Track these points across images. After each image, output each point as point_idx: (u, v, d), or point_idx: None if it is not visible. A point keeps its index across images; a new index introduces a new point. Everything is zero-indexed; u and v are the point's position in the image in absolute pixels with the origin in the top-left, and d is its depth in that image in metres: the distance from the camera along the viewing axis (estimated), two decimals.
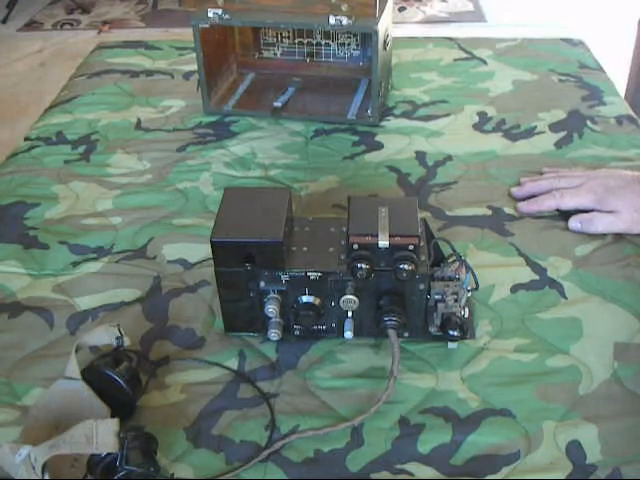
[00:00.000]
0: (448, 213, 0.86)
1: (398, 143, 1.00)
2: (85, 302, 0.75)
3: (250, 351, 0.69)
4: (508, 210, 0.86)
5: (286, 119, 1.06)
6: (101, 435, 0.53)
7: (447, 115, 1.06)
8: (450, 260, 0.68)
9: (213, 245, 0.64)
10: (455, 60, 1.21)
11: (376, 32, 0.95)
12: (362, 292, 0.65)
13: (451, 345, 0.68)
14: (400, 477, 0.58)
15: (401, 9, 3.29)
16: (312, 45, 1.11)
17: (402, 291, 0.65)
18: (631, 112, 1.05)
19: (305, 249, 0.66)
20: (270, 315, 0.66)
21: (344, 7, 0.93)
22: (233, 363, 0.68)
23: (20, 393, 0.66)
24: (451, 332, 0.64)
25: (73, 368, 0.61)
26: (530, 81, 1.14)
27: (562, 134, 1.00)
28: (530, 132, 1.01)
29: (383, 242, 0.62)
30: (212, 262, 0.65)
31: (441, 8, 3.33)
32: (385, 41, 1.01)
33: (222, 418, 0.63)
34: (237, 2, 0.97)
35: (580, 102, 1.07)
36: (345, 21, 0.95)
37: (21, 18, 3.39)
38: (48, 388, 0.62)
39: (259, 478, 0.58)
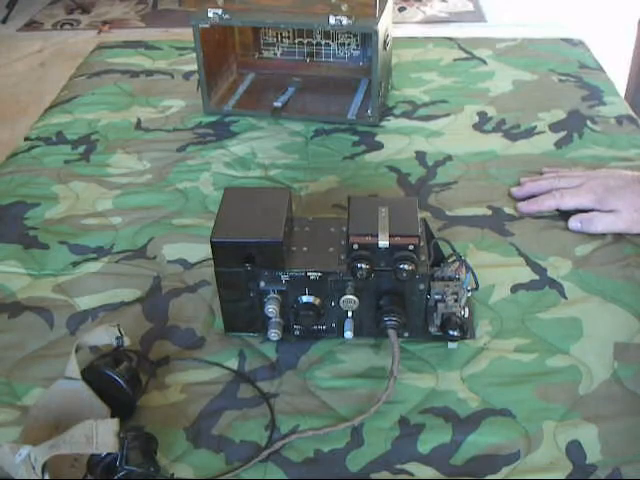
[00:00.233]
0: (448, 213, 0.86)
1: (398, 143, 1.00)
2: (85, 302, 0.75)
3: (250, 351, 0.69)
4: (508, 210, 0.86)
5: (286, 119, 1.06)
6: (101, 435, 0.53)
7: (447, 115, 1.06)
8: (450, 260, 0.68)
9: (213, 245, 0.64)
10: (455, 60, 1.22)
11: (376, 32, 0.95)
12: (362, 292, 0.65)
13: (451, 345, 0.68)
14: (400, 477, 0.58)
15: (401, 9, 3.29)
16: (312, 45, 1.11)
17: (402, 291, 0.65)
18: (631, 112, 1.05)
19: (305, 249, 0.66)
20: (270, 315, 0.66)
21: (344, 7, 0.93)
22: (233, 363, 0.68)
23: (20, 393, 0.66)
24: (451, 332, 0.64)
25: (73, 368, 0.61)
26: (530, 81, 1.14)
27: (562, 134, 1.00)
28: (530, 132, 1.01)
29: (383, 242, 0.62)
30: (212, 262, 0.65)
31: (441, 8, 3.33)
32: (385, 41, 1.01)
33: (222, 418, 0.63)
34: (237, 2, 0.97)
35: (580, 102, 1.07)
36: (345, 21, 0.95)
37: (21, 18, 3.39)
38: (48, 388, 0.62)
39: (259, 478, 0.58)
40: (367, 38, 1.07)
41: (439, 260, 0.68)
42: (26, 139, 1.04)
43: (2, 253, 0.82)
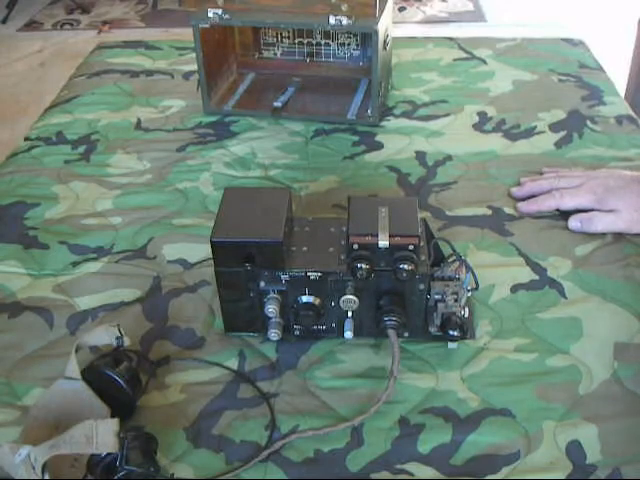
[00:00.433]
0: (448, 213, 0.86)
1: (398, 143, 1.00)
2: (85, 302, 0.75)
3: (250, 351, 0.69)
4: (508, 210, 0.86)
5: (286, 119, 1.06)
6: (101, 435, 0.53)
7: (447, 115, 1.06)
8: (450, 260, 0.68)
9: (213, 245, 0.64)
10: (455, 60, 1.21)
11: (376, 32, 0.95)
12: (362, 292, 0.65)
13: (451, 345, 0.68)
14: (400, 477, 0.58)
15: (401, 9, 3.29)
16: (312, 45, 1.11)
17: (402, 291, 0.65)
18: (631, 112, 1.05)
19: (305, 249, 0.66)
20: (270, 315, 0.66)
21: (344, 7, 0.93)
22: (233, 363, 0.68)
23: (20, 393, 0.66)
24: (451, 332, 0.64)
25: (73, 368, 0.61)
26: (530, 81, 1.14)
27: (562, 134, 1.00)
28: (530, 132, 1.01)
29: (383, 242, 0.62)
30: (212, 262, 0.65)
31: (441, 8, 3.33)
32: (385, 41, 1.01)
33: (222, 418, 0.63)
34: (237, 2, 0.97)
35: (580, 102, 1.07)
36: (345, 21, 0.95)
37: (21, 18, 3.39)
38: (48, 388, 0.62)
39: (259, 478, 0.58)
40: (367, 38, 1.07)
41: (439, 260, 0.68)
42: (26, 139, 1.04)
43: (2, 253, 0.82)
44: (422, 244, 0.66)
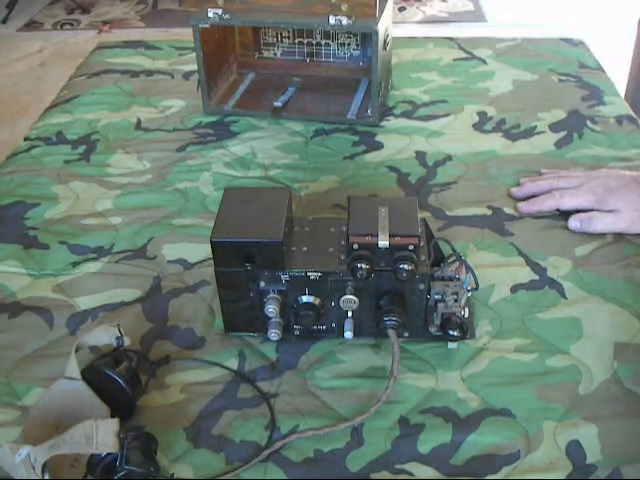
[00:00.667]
0: (448, 213, 0.86)
1: (398, 143, 1.00)
2: (85, 302, 0.75)
3: (250, 351, 0.69)
4: (508, 210, 0.86)
5: (286, 119, 1.06)
6: (101, 435, 0.53)
7: (447, 115, 1.06)
8: (450, 260, 0.68)
9: (213, 245, 0.64)
10: (455, 60, 1.21)
11: (376, 32, 0.95)
12: (362, 292, 0.65)
13: (451, 345, 0.68)
14: (400, 477, 0.58)
15: (401, 9, 3.29)
16: (312, 45, 1.11)
17: (402, 291, 0.65)
18: (631, 112, 1.05)
19: (305, 249, 0.66)
20: (270, 315, 0.66)
21: (344, 7, 0.93)
22: (233, 363, 0.68)
23: (20, 393, 0.66)
24: (451, 332, 0.64)
25: (73, 368, 0.61)
26: (530, 81, 1.14)
27: (562, 134, 1.00)
28: (530, 132, 1.01)
29: (383, 242, 0.62)
30: (212, 262, 0.65)
31: (441, 8, 3.33)
32: (385, 41, 1.01)
33: (222, 418, 0.63)
34: (237, 2, 0.97)
35: (580, 102, 1.07)
36: (345, 21, 0.95)
37: (21, 18, 3.39)
38: (48, 388, 0.62)
39: (259, 478, 0.58)
40: (367, 38, 1.07)
41: (439, 260, 0.68)
42: (26, 139, 1.04)
43: (2, 253, 0.82)
44: (422, 244, 0.66)
